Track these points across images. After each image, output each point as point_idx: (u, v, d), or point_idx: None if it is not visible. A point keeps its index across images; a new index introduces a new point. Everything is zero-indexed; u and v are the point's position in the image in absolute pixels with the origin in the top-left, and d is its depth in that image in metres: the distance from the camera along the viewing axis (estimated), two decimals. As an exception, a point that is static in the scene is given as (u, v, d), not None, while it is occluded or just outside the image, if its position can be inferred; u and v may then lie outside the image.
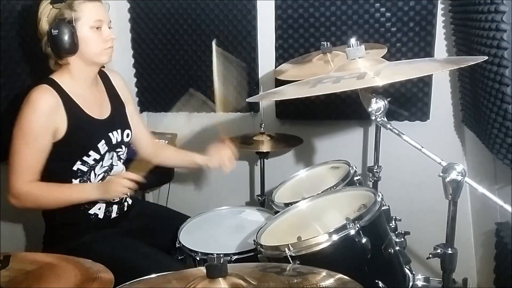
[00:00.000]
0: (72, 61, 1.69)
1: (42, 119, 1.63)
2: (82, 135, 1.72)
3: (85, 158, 1.73)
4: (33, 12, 1.96)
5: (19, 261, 1.23)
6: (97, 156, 1.75)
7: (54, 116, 1.65)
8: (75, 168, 1.72)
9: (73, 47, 1.64)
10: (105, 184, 1.73)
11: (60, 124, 1.66)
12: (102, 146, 1.76)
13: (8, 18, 1.87)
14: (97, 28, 1.69)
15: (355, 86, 1.31)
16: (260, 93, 2.51)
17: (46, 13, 1.62)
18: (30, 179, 1.65)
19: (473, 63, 1.43)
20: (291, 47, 2.60)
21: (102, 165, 1.78)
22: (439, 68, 1.56)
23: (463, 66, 1.34)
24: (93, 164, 1.75)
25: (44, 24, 1.63)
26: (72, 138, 1.68)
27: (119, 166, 1.85)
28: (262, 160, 2.50)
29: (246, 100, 1.52)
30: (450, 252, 1.33)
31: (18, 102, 1.90)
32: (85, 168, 1.73)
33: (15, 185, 1.64)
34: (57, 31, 1.61)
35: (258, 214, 2.05)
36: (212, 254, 1.05)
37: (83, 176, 1.74)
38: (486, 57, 1.45)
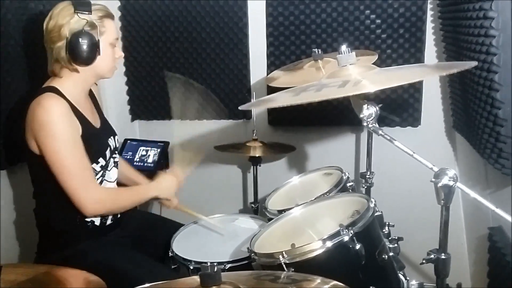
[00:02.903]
0: (82, 70, 1.69)
1: (68, 121, 1.62)
2: (93, 142, 1.72)
3: (94, 165, 1.73)
4: (24, 20, 1.97)
5: (10, 272, 1.22)
6: (104, 163, 1.77)
7: (72, 120, 1.65)
8: None
9: (92, 59, 1.67)
10: (160, 182, 1.89)
11: (77, 130, 1.67)
12: (107, 152, 1.80)
13: (4, 31, 1.86)
14: (114, 45, 1.74)
15: (337, 94, 1.31)
16: (252, 100, 2.52)
17: (68, 19, 1.61)
18: (96, 182, 1.69)
19: (463, 69, 1.45)
20: (283, 54, 2.61)
21: (104, 172, 1.78)
22: (429, 74, 1.57)
23: (454, 72, 1.35)
24: (100, 170, 1.75)
25: (66, 30, 1.61)
26: (85, 145, 1.67)
27: (114, 172, 1.86)
28: (255, 167, 2.50)
29: (239, 108, 1.52)
30: (443, 257, 1.33)
31: (15, 112, 1.90)
32: None
33: (91, 192, 1.64)
34: (81, 40, 1.62)
35: (251, 222, 2.04)
36: (205, 262, 1.04)
37: None
38: (475, 63, 1.47)
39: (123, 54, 1.81)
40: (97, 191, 1.69)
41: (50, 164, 1.60)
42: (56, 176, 1.61)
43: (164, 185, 1.89)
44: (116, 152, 1.90)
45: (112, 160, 1.84)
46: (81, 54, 1.63)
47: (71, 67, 1.67)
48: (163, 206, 2.03)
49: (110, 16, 1.73)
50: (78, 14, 1.62)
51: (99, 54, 1.68)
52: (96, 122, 1.82)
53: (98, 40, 1.66)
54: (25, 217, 1.92)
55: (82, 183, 1.62)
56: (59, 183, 1.61)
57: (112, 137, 1.87)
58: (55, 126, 1.59)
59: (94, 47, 1.66)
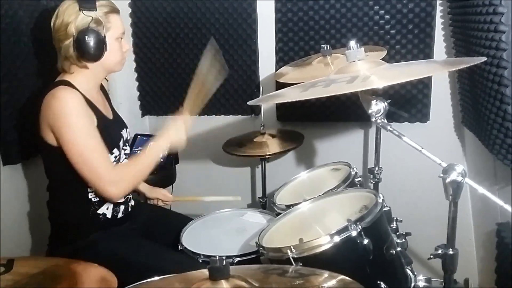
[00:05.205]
0: (91, 66, 1.71)
1: (83, 111, 1.64)
2: (108, 133, 1.74)
3: (109, 156, 1.74)
4: (35, 17, 1.99)
5: (22, 265, 1.24)
6: (117, 154, 1.79)
7: (87, 110, 1.67)
8: None
9: (99, 55, 1.68)
10: (167, 130, 1.86)
11: (92, 120, 1.68)
12: (121, 143, 1.82)
13: (10, 23, 1.88)
14: (120, 39, 1.76)
15: (345, 89, 1.32)
16: (260, 95, 2.52)
17: (74, 17, 1.63)
18: (112, 165, 1.69)
19: (472, 64, 1.44)
20: (291, 50, 2.61)
21: (117, 164, 1.80)
22: (438, 70, 1.57)
23: (463, 67, 1.35)
24: (113, 161, 1.77)
25: (72, 28, 1.63)
26: (101, 135, 1.68)
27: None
28: (263, 162, 2.51)
29: (247, 103, 1.53)
30: (451, 252, 1.33)
31: (28, 108, 1.92)
32: None
33: (107, 176, 1.64)
34: (88, 37, 1.63)
35: (259, 216, 2.05)
36: (214, 256, 1.06)
37: None
38: (485, 58, 1.47)
39: (130, 47, 1.83)
40: (114, 173, 1.67)
41: (67, 154, 1.62)
42: (74, 166, 1.62)
43: (172, 131, 1.87)
44: (127, 144, 1.92)
45: (123, 151, 1.86)
46: (88, 51, 1.65)
47: (80, 64, 1.69)
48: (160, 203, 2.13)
49: (115, 11, 1.74)
50: (83, 11, 1.63)
51: (107, 50, 1.69)
52: (108, 114, 1.84)
53: (105, 36, 1.67)
54: (38, 210, 1.95)
55: (102, 167, 1.63)
56: (78, 172, 1.63)
57: (124, 129, 1.90)
58: (70, 117, 1.61)
59: (101, 44, 1.67)
